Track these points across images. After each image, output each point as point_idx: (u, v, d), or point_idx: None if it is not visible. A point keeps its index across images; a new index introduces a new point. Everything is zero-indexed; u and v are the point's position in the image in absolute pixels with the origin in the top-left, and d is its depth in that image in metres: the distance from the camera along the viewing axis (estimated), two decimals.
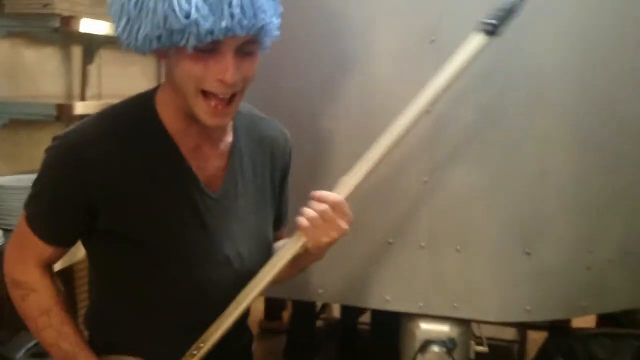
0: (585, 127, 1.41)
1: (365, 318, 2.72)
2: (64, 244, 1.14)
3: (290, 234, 1.15)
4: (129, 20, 0.98)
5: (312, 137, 1.50)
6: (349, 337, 2.82)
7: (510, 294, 1.45)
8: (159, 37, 0.96)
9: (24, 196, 1.12)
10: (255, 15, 0.96)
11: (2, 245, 1.64)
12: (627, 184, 1.44)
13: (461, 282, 1.47)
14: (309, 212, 1.09)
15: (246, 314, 1.17)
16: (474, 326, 1.63)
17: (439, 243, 1.47)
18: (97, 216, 1.07)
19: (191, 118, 1.07)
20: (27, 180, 1.31)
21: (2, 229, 1.69)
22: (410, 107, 1.14)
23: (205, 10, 0.92)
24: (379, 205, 1.48)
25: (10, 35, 2.00)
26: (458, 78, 1.14)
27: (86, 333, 1.20)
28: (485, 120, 1.42)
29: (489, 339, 2.69)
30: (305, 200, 1.11)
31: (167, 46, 0.97)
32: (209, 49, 0.97)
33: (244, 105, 1.13)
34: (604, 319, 2.64)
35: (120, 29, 1.00)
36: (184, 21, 0.92)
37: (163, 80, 1.15)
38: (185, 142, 1.10)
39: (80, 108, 2.01)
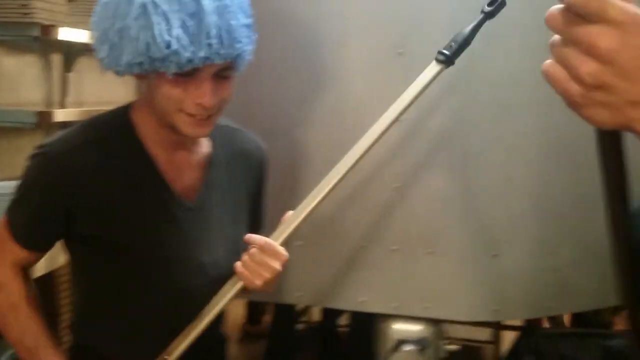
0: (549, 135, 1.48)
1: (346, 320, 2.76)
2: (41, 249, 1.18)
3: None
4: (111, 47, 1.02)
5: (287, 148, 1.56)
6: (329, 340, 2.86)
7: (478, 295, 1.51)
8: (140, 64, 1.00)
9: (3, 203, 1.15)
10: (231, 45, 1.02)
11: None
12: (587, 187, 1.50)
13: (432, 283, 1.52)
14: (244, 255, 1.14)
15: (219, 322, 1.22)
16: (451, 327, 1.68)
17: (410, 246, 1.52)
18: (77, 223, 1.11)
19: (168, 130, 1.11)
20: (7, 187, 1.33)
21: None
22: (364, 138, 1.19)
23: (185, 40, 0.96)
24: (353, 210, 1.53)
25: None
26: (413, 104, 1.20)
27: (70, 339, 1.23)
28: (454, 128, 1.48)
29: (464, 339, 2.76)
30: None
31: (148, 71, 1.02)
32: (188, 73, 1.01)
33: (221, 118, 1.18)
34: (576, 319, 2.72)
35: (102, 54, 1.04)
36: (164, 51, 0.97)
37: (142, 88, 1.19)
38: (161, 153, 1.15)
39: (60, 115, 2.03)
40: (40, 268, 1.22)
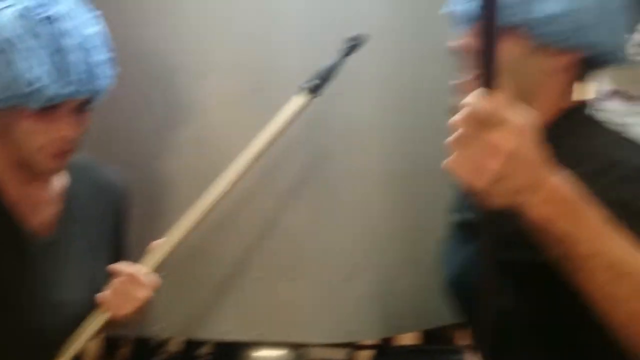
0: (393, 165, 1.61)
1: (208, 349, 2.73)
2: None
3: None
4: None
5: (148, 179, 1.56)
6: None
7: (334, 318, 1.60)
8: (0, 100, 0.98)
9: None
10: (91, 82, 1.04)
11: None
12: (431, 214, 1.66)
13: (293, 309, 1.59)
14: (108, 285, 1.15)
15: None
16: (312, 350, 1.75)
17: (273, 274, 1.58)
18: None
19: (19, 165, 1.08)
20: None
21: None
22: (231, 167, 1.24)
23: (47, 79, 0.96)
24: (219, 239, 1.56)
25: None
26: (279, 136, 1.29)
27: None
28: (315, 160, 1.57)
29: None
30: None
31: (5, 108, 0.99)
32: (49, 108, 1.00)
33: (76, 152, 1.18)
34: (429, 336, 2.91)
35: None
36: (26, 89, 0.95)
37: None
38: (11, 189, 1.11)
39: None
40: None
